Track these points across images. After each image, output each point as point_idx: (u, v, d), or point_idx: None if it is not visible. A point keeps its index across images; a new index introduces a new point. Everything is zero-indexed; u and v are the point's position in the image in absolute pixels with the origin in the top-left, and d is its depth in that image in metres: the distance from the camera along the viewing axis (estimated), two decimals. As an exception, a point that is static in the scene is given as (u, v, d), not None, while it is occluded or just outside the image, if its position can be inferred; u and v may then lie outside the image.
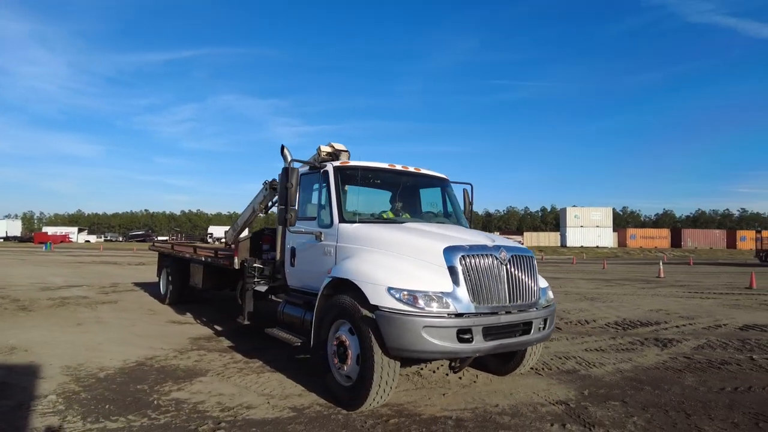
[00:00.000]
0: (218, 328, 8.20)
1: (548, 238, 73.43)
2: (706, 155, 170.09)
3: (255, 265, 6.63)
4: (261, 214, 9.11)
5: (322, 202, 5.43)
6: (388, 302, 4.04)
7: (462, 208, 6.39)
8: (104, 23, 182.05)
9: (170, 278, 10.23)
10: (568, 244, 65.24)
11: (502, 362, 5.45)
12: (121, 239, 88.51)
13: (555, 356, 6.49)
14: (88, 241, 78.61)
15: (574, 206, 70.14)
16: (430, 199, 6.32)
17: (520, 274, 4.54)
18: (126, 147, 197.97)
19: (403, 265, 4.29)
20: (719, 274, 23.83)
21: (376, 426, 4.02)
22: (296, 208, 5.33)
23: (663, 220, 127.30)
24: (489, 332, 4.18)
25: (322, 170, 5.45)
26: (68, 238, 74.46)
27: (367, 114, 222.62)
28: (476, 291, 4.20)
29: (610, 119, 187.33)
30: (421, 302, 4.00)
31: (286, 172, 5.21)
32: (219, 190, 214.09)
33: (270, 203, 8.60)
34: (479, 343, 4.10)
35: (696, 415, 4.35)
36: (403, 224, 5.23)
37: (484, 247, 4.45)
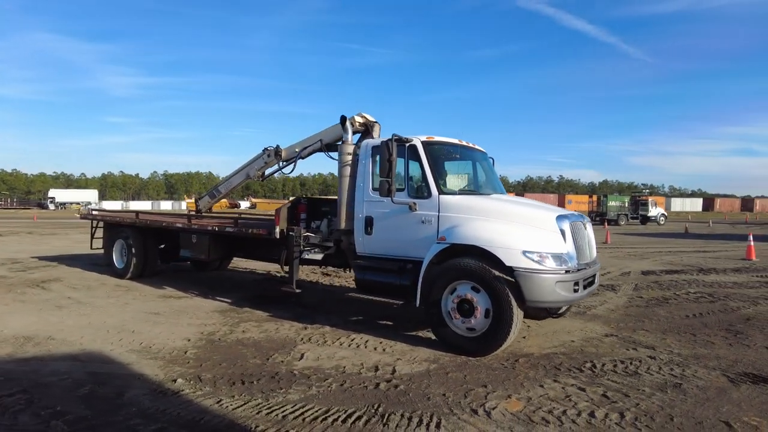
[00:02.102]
0: (227, 299, 7.86)
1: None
2: (531, 128, 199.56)
3: (305, 234, 6.62)
4: (258, 180, 8.80)
5: (411, 175, 5.77)
6: (525, 263, 4.76)
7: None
8: None
9: (133, 251, 9.18)
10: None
11: (541, 309, 6.56)
12: None
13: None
14: None
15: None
16: (463, 171, 6.98)
17: (591, 236, 5.65)
18: None
19: (525, 232, 5.01)
20: (572, 232, 29.02)
21: (514, 365, 4.79)
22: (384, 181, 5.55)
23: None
24: (584, 283, 5.21)
25: (408, 144, 5.74)
26: None
27: (215, 68, 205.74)
28: (578, 250, 5.17)
29: (451, 91, 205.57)
30: (551, 261, 4.81)
31: (388, 146, 5.42)
32: (34, 146, 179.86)
33: (277, 168, 8.37)
34: (581, 292, 5.11)
35: (698, 334, 6.04)
36: (490, 196, 5.89)
37: (573, 215, 5.42)
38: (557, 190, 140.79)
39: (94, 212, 10.63)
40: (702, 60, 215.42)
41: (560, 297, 4.82)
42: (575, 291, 4.99)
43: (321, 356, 5.06)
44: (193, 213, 9.70)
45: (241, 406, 3.80)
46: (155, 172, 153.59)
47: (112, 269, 9.76)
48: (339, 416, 3.62)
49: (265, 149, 8.37)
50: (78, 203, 60.02)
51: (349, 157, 6.35)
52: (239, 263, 11.74)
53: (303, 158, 7.89)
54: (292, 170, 8.10)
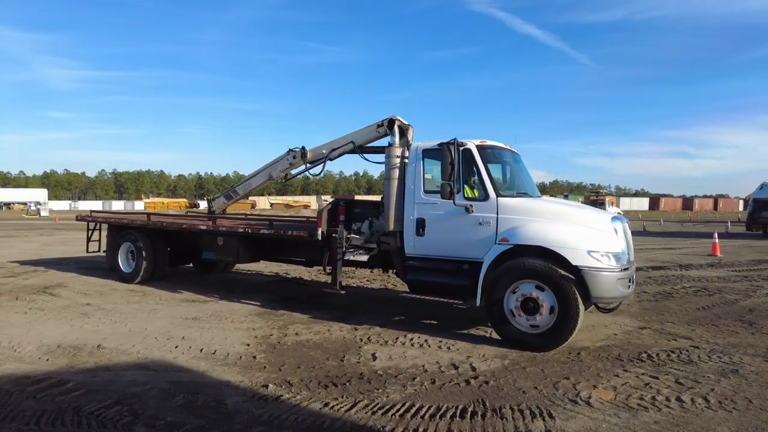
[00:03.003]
0: (254, 302, 7.74)
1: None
2: (483, 129, 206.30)
3: (349, 236, 6.65)
4: (281, 182, 8.71)
5: (465, 178, 5.95)
6: (590, 262, 5.06)
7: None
8: None
9: (144, 254, 8.83)
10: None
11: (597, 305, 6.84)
12: None
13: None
14: None
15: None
16: (507, 173, 7.18)
17: (630, 236, 6.04)
18: None
19: (587, 232, 5.31)
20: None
21: (578, 356, 5.08)
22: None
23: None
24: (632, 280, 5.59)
25: (462, 148, 5.92)
26: None
27: (164, 63, 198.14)
28: (627, 249, 5.54)
29: (405, 92, 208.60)
30: (611, 260, 5.14)
31: (449, 149, 5.57)
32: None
33: (303, 170, 8.32)
34: (631, 288, 5.49)
35: (719, 325, 6.58)
36: (542, 198, 6.18)
37: (621, 217, 5.79)
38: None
39: (95, 213, 10.07)
40: (641, 67, 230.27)
41: (620, 293, 5.17)
42: (629, 287, 5.36)
43: (393, 356, 5.14)
44: (205, 214, 9.45)
45: (352, 407, 3.85)
46: (103, 170, 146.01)
47: (117, 273, 9.33)
48: (454, 412, 3.75)
49: (290, 150, 8.30)
50: (23, 203, 55.72)
51: (398, 160, 6.44)
52: (241, 265, 11.51)
53: (332, 160, 7.91)
54: (320, 172, 8.10)
